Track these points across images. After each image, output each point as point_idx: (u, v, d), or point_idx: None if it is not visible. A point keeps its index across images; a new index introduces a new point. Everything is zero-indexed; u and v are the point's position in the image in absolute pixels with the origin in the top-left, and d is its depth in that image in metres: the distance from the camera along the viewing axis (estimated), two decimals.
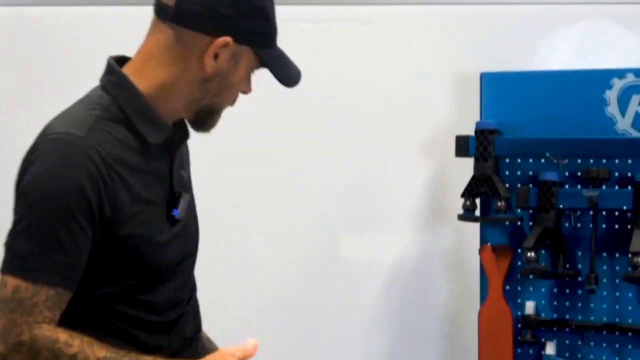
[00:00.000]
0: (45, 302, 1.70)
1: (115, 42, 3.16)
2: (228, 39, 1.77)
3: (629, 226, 2.78)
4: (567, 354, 2.87)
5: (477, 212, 2.91)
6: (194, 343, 2.00)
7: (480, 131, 2.89)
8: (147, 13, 1.87)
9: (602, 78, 2.85)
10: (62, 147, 1.71)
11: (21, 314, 1.69)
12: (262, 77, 3.31)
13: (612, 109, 2.85)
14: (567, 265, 2.84)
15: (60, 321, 1.75)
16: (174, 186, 1.89)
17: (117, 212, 1.74)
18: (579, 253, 2.85)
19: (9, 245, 1.72)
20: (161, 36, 1.80)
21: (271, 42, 1.85)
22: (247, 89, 1.90)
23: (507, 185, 2.88)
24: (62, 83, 3.19)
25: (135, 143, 1.79)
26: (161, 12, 1.80)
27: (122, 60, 1.87)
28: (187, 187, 1.96)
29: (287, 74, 1.88)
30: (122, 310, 1.81)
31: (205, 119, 1.89)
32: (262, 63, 1.85)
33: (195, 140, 3.20)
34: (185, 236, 1.93)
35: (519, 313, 2.92)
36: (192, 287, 2.01)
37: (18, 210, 1.73)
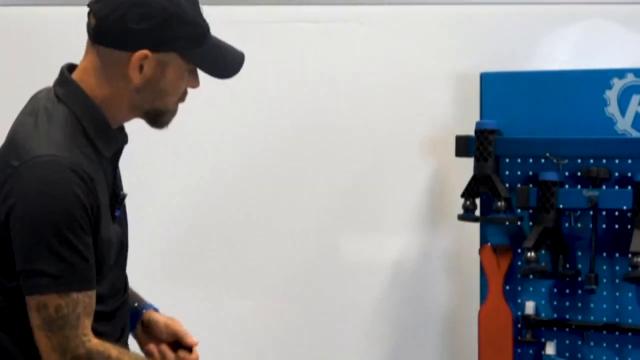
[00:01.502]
0: (85, 309, 1.80)
1: None
2: (145, 52, 1.84)
3: (629, 226, 2.78)
4: (567, 354, 2.87)
5: (477, 212, 2.91)
6: (127, 329, 2.08)
7: (480, 131, 2.89)
8: None
9: (602, 78, 2.86)
10: (53, 168, 1.79)
11: (70, 329, 1.78)
12: (262, 81, 3.31)
13: (612, 109, 2.85)
14: (567, 265, 2.84)
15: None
16: (117, 188, 1.99)
17: (96, 219, 1.85)
18: (579, 253, 2.85)
19: (34, 269, 1.78)
20: (92, 56, 1.89)
21: (198, 42, 1.89)
22: (194, 84, 1.94)
23: (507, 185, 2.88)
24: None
25: (91, 152, 1.88)
26: (88, 34, 1.89)
27: (69, 69, 1.95)
28: (121, 185, 2.05)
29: (220, 68, 1.92)
30: None
31: (156, 120, 1.95)
32: (192, 64, 1.90)
33: (196, 141, 3.22)
34: (122, 231, 2.01)
35: (519, 313, 2.92)
36: (125, 278, 2.08)
37: (27, 234, 1.78)
